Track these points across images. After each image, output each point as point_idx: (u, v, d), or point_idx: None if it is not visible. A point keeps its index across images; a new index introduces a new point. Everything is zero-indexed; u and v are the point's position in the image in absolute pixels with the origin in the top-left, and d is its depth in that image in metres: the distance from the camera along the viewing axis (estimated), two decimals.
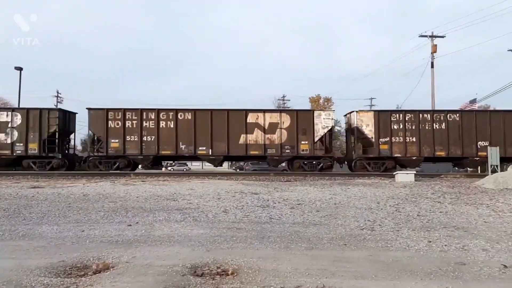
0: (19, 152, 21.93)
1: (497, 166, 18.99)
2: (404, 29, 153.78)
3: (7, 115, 22.00)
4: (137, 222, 7.60)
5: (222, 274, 4.52)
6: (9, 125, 21.90)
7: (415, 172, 19.09)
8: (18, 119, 21.99)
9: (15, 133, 22.08)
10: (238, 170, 43.14)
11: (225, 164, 46.23)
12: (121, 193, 11.80)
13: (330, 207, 9.70)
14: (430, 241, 6.22)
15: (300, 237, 6.49)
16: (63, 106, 49.74)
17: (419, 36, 36.86)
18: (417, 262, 5.06)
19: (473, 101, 34.20)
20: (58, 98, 56.49)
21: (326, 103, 59.38)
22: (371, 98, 64.19)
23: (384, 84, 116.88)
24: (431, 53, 35.98)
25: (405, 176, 17.32)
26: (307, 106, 58.80)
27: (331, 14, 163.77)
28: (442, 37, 36.86)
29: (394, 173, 18.37)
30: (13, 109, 22.74)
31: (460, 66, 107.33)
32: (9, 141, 21.97)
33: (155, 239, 6.25)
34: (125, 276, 4.38)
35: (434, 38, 36.24)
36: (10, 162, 22.40)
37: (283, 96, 65.11)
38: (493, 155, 19.11)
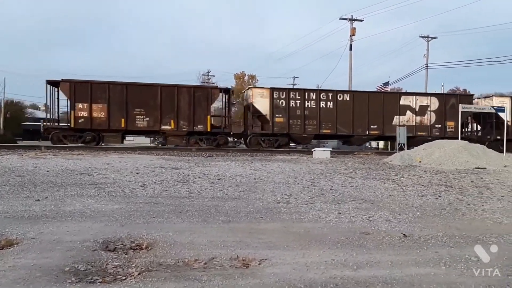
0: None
1: (404, 144, 20.55)
2: (327, 11, 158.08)
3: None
4: (46, 197, 7.17)
5: (136, 249, 4.44)
6: (428, 109, 24.51)
7: (331, 149, 20.08)
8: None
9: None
10: (160, 145, 42.14)
11: (147, 139, 44.89)
12: (29, 167, 11.01)
13: (250, 182, 9.89)
14: (340, 213, 6.61)
15: (218, 211, 6.55)
16: None
17: (339, 19, 38.30)
18: (326, 233, 5.36)
19: (386, 84, 36.48)
20: None
21: (250, 80, 59.89)
22: (294, 77, 65.92)
23: (305, 64, 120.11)
24: (350, 35, 37.53)
25: (322, 153, 18.15)
26: (232, 82, 58.96)
27: None
28: (361, 20, 38.59)
29: (312, 150, 19.16)
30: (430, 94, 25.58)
31: (375, 49, 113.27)
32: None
33: (65, 214, 5.94)
34: (30, 252, 4.13)
35: (353, 21, 37.81)
36: None
37: (208, 72, 64.45)
38: (401, 134, 20.64)
